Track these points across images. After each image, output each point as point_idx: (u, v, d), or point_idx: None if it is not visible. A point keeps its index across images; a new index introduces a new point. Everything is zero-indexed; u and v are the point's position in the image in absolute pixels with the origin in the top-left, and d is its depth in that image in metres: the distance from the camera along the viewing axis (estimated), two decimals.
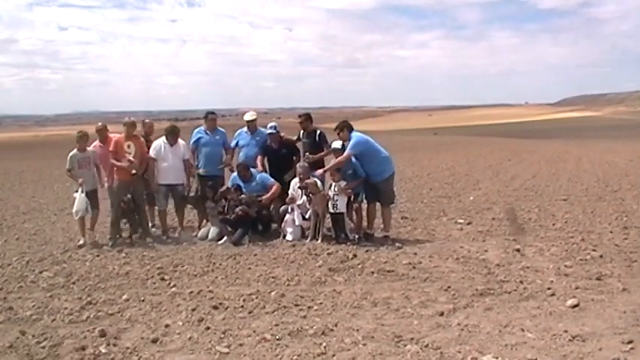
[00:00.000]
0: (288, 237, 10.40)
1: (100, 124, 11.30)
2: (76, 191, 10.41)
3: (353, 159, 10.29)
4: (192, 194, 11.36)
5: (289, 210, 10.58)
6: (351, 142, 10.30)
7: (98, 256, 9.61)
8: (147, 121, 12.37)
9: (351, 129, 10.53)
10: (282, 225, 10.62)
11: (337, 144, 10.42)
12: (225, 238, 10.36)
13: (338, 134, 10.54)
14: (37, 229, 12.47)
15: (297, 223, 10.48)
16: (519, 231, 10.78)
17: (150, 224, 11.36)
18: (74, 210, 10.35)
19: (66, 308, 6.88)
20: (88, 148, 10.77)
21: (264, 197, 10.71)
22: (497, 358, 5.06)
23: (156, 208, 11.44)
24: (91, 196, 10.52)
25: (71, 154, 10.42)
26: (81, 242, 10.42)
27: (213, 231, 10.72)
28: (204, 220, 11.29)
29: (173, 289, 7.61)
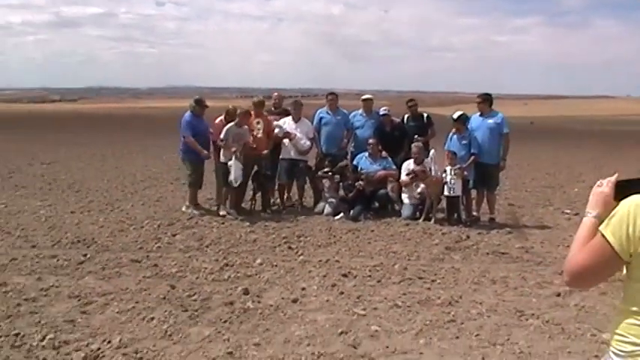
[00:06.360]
0: (404, 211, 11.01)
1: (231, 106, 11.77)
2: (230, 159, 10.68)
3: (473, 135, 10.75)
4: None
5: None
6: (504, 121, 10.85)
7: (223, 223, 10.31)
8: (275, 94, 13.15)
9: (491, 103, 11.06)
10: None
11: (455, 114, 10.94)
12: (341, 214, 10.93)
13: (479, 104, 11.05)
14: (159, 196, 13.27)
15: (409, 201, 11.09)
16: None
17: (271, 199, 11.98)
18: (232, 178, 10.62)
19: (206, 268, 7.56)
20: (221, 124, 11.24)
21: (378, 174, 11.27)
22: None
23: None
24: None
25: (228, 126, 10.77)
26: (222, 212, 10.96)
27: (327, 207, 11.26)
28: (319, 196, 11.84)
29: (301, 257, 8.23)
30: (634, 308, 2.09)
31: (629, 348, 2.09)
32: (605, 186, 2.33)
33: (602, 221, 2.20)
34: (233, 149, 10.62)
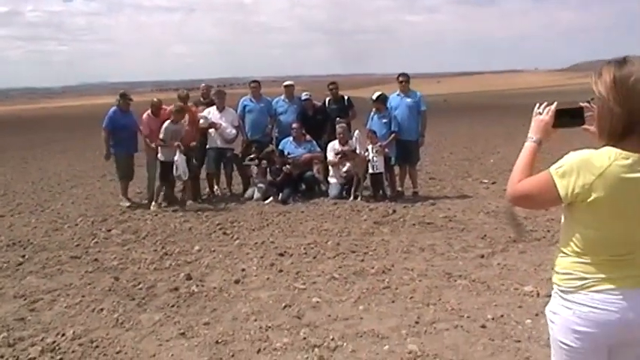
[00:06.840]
0: (331, 191, 11.41)
1: (155, 99, 11.91)
2: (174, 156, 10.69)
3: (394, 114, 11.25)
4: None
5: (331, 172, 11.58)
6: (421, 99, 11.48)
7: (157, 215, 10.47)
8: (203, 85, 13.45)
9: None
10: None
11: (375, 95, 11.50)
12: (271, 198, 11.23)
13: (405, 83, 11.47)
14: (88, 193, 13.23)
15: (336, 181, 11.50)
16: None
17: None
18: (180, 172, 10.72)
19: (146, 259, 7.73)
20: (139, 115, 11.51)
21: (304, 156, 11.66)
22: (536, 288, 5.95)
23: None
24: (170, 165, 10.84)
25: (165, 125, 10.83)
26: (154, 208, 10.96)
27: (257, 192, 11.55)
28: (248, 183, 12.12)
29: (237, 241, 8.50)
30: (578, 249, 2.37)
31: (578, 283, 2.33)
32: (544, 114, 2.58)
33: (541, 144, 2.53)
34: (176, 144, 10.73)
